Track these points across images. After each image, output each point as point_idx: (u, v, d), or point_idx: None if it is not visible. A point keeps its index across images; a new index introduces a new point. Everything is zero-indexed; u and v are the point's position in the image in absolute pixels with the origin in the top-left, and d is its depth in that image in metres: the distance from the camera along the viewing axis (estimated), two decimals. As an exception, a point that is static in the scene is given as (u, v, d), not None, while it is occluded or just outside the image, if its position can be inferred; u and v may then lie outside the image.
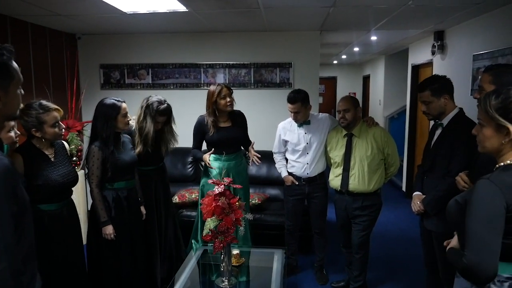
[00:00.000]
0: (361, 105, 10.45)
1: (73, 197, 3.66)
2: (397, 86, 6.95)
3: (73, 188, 3.11)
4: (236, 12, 3.34)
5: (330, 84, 10.05)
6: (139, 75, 4.63)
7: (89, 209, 2.75)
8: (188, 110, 4.67)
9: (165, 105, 2.77)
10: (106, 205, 2.44)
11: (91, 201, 2.47)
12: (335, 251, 3.52)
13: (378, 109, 7.68)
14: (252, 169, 4.34)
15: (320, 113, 3.19)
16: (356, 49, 6.31)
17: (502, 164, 1.31)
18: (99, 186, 2.43)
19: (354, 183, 2.76)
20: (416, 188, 2.41)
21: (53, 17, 3.55)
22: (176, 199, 3.88)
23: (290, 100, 2.95)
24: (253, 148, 3.00)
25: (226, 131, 3.00)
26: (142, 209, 2.76)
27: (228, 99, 2.92)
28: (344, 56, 7.62)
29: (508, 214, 1.21)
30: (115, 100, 2.47)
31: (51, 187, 2.13)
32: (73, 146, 3.94)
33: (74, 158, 3.96)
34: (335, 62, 8.92)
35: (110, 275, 2.50)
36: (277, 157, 3.24)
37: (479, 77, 1.93)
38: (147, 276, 2.88)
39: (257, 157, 2.93)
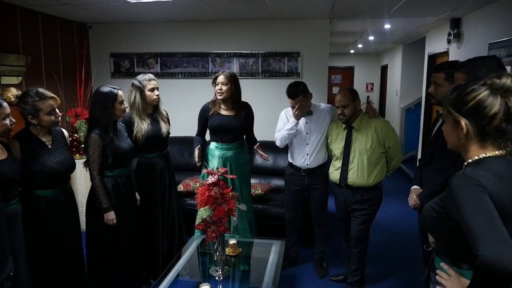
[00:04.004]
0: (378, 96, 10.19)
1: (77, 184, 3.80)
2: (414, 76, 6.73)
3: (79, 176, 3.16)
4: (238, -1, 3.30)
5: (347, 74, 9.85)
6: (148, 64, 4.66)
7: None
8: (196, 99, 4.66)
9: (149, 74, 2.89)
10: (107, 192, 2.48)
11: (89, 188, 2.52)
12: (337, 244, 3.48)
13: (395, 100, 7.48)
14: (258, 159, 4.32)
15: (323, 104, 3.12)
16: (371, 37, 6.14)
17: (470, 160, 1.24)
18: (100, 173, 2.47)
19: (353, 177, 2.71)
20: (414, 181, 2.35)
21: (62, 7, 3.60)
22: (181, 187, 3.92)
23: (291, 95, 2.83)
24: (259, 149, 2.99)
25: (227, 119, 2.99)
26: (136, 194, 2.78)
27: (218, 87, 2.91)
28: (360, 45, 7.43)
29: None
30: (112, 87, 2.50)
31: (46, 173, 2.18)
32: (81, 134, 4.02)
33: (83, 146, 4.04)
34: (352, 51, 8.72)
35: (109, 261, 2.55)
36: (278, 133, 3.07)
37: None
38: (148, 262, 2.94)
39: (265, 156, 2.97)
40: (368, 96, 9.69)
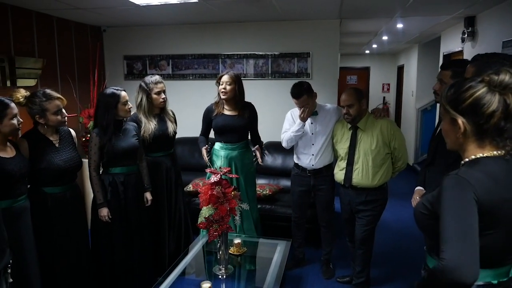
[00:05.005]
0: (395, 97, 9.96)
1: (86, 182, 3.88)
2: (430, 77, 6.58)
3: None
4: (245, 0, 3.31)
5: (363, 74, 9.73)
6: (160, 66, 4.74)
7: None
8: (206, 100, 4.67)
9: (156, 76, 2.93)
10: (103, 189, 2.55)
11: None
12: (344, 246, 3.43)
13: (411, 100, 7.35)
14: (268, 160, 4.34)
15: (328, 104, 3.10)
16: (385, 37, 6.05)
17: (467, 159, 1.21)
18: (97, 170, 2.56)
19: (358, 178, 2.68)
20: (418, 182, 2.30)
21: (76, 11, 3.71)
22: (190, 187, 3.96)
23: (296, 95, 2.84)
24: (258, 150, 3.06)
25: (230, 119, 3.02)
26: (148, 195, 2.82)
27: (222, 86, 2.94)
28: (375, 46, 7.34)
29: (479, 210, 1.11)
30: (114, 89, 2.57)
31: (53, 170, 2.26)
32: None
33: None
34: (367, 52, 8.61)
35: (106, 256, 2.62)
36: (284, 134, 3.07)
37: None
38: (155, 261, 2.98)
39: (260, 160, 3.04)
40: (384, 97, 9.56)
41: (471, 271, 1.05)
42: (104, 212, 2.52)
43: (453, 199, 1.13)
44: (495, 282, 1.17)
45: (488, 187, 1.13)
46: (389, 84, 9.49)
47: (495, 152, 1.19)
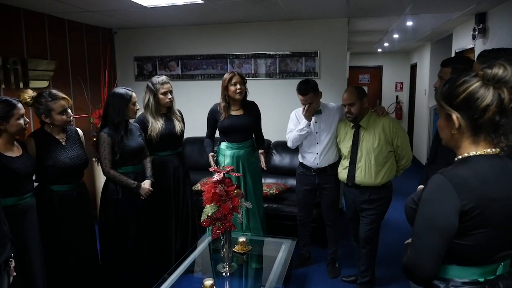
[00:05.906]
0: (408, 96, 9.77)
1: (101, 181, 3.95)
2: (443, 75, 6.48)
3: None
4: (250, 0, 3.33)
5: (375, 73, 9.63)
6: (169, 66, 4.80)
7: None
8: (215, 100, 4.70)
9: (163, 76, 2.96)
10: (113, 188, 2.59)
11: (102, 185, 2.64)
12: (351, 245, 3.42)
13: (423, 99, 7.24)
14: (275, 159, 4.35)
15: (332, 103, 3.10)
16: (396, 36, 5.98)
17: (460, 157, 1.19)
18: (112, 167, 2.60)
19: (361, 176, 2.67)
20: (421, 181, 2.28)
21: (87, 14, 3.79)
22: (198, 186, 4.00)
23: (302, 92, 2.87)
24: (263, 155, 3.09)
25: (237, 119, 3.04)
26: (147, 183, 2.76)
27: (238, 87, 2.96)
28: (386, 44, 7.26)
29: (462, 212, 1.10)
30: (126, 89, 2.63)
31: (59, 168, 2.32)
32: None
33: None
34: (379, 50, 8.52)
35: (119, 254, 2.66)
36: (289, 134, 3.10)
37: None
38: (162, 258, 3.02)
39: (264, 165, 3.06)
40: (397, 96, 9.44)
41: (424, 271, 1.16)
42: (147, 184, 2.66)
43: (430, 200, 1.15)
44: (481, 279, 1.16)
45: (474, 187, 1.11)
46: (402, 83, 9.37)
47: (488, 150, 1.17)
